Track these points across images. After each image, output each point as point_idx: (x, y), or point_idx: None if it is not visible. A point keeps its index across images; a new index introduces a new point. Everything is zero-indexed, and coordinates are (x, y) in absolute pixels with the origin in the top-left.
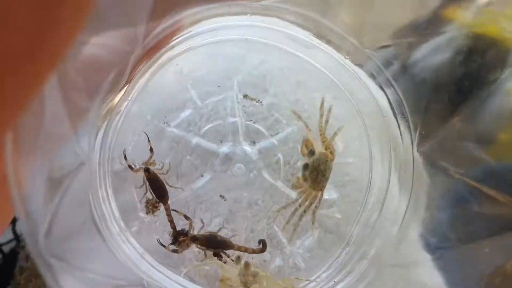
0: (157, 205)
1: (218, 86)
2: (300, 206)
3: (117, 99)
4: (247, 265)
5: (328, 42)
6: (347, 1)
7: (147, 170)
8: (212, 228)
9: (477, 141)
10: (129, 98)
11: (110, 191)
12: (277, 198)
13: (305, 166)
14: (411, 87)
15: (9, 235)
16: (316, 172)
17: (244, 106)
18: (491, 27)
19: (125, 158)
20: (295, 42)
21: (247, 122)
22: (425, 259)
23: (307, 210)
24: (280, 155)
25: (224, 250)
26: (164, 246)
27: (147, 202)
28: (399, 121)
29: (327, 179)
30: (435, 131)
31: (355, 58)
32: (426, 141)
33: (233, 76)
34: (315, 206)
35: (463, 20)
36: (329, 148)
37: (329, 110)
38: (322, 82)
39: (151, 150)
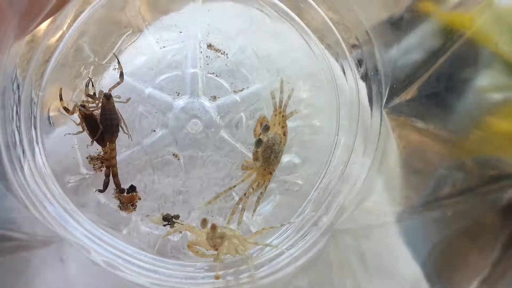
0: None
1: (180, 32)
2: (245, 195)
3: (45, 27)
4: (214, 227)
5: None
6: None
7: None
8: (161, 187)
9: (449, 139)
10: (68, 31)
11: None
12: (235, 160)
13: (258, 143)
14: (383, 85)
15: None
16: (270, 151)
17: (207, 57)
18: (463, 23)
19: (61, 99)
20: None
21: (209, 75)
22: (389, 223)
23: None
24: (242, 114)
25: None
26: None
27: (91, 158)
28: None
29: (278, 162)
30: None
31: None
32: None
33: (197, 23)
34: (260, 193)
35: (437, 16)
36: (283, 127)
37: (289, 97)
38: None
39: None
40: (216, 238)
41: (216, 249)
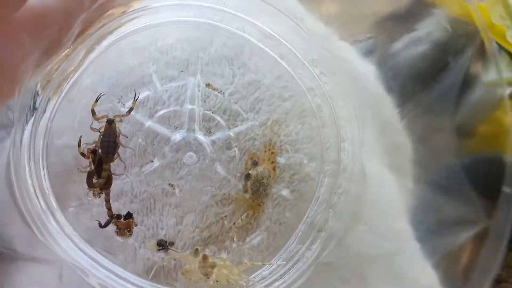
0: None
1: (181, 71)
2: (234, 224)
3: (58, 64)
4: (205, 257)
5: None
6: None
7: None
8: (158, 214)
9: (457, 134)
10: (79, 69)
11: (43, 170)
12: (227, 191)
13: (247, 176)
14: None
15: None
16: (259, 184)
17: (205, 95)
18: (469, 16)
19: (79, 145)
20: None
21: (206, 112)
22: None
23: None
24: (235, 149)
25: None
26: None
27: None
28: None
29: (267, 195)
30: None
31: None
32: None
33: (197, 63)
34: (249, 223)
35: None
36: (273, 163)
37: (278, 135)
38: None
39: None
40: (207, 267)
41: (208, 277)
